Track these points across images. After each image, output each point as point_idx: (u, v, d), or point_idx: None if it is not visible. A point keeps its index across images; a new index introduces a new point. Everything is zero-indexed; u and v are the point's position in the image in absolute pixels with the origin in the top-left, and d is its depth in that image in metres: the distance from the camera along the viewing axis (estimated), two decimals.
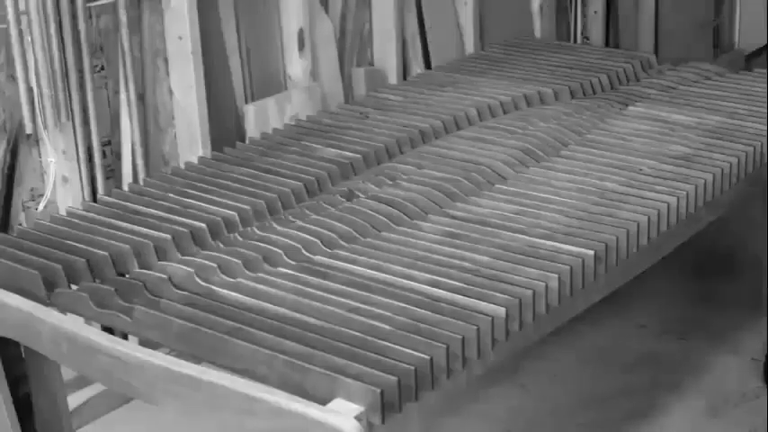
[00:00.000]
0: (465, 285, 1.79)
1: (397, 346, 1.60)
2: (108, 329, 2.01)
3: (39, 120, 2.44)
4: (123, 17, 2.55)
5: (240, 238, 1.99)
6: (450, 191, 2.15)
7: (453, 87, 2.76)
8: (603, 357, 2.89)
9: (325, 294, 1.77)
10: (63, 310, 1.83)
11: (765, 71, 2.82)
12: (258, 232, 2.01)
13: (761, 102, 2.59)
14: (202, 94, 2.72)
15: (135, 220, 2.04)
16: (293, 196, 2.15)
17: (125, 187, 2.33)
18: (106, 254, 1.90)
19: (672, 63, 3.03)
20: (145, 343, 1.76)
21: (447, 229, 2.00)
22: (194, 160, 2.38)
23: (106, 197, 2.18)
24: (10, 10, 2.35)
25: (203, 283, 1.82)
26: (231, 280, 1.83)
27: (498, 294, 1.75)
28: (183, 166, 2.35)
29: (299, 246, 1.94)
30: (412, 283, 1.80)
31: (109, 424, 2.60)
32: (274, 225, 2.03)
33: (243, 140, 2.70)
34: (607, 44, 3.95)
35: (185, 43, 2.66)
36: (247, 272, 1.86)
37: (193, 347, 1.68)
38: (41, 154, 2.54)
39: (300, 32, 2.97)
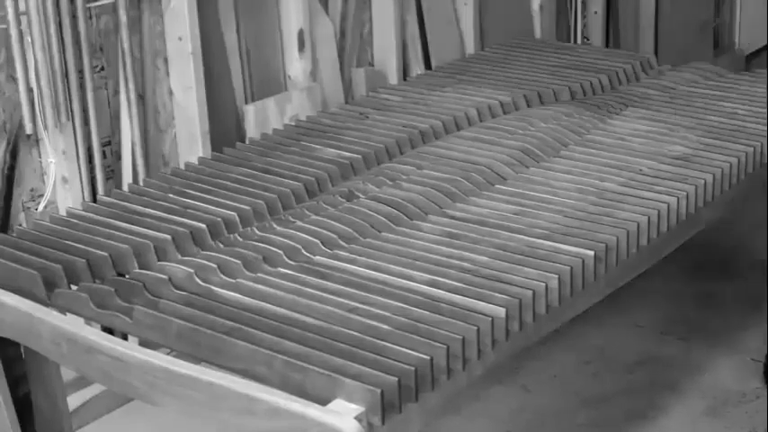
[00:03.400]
0: (464, 285, 1.79)
1: (396, 347, 1.60)
2: (108, 330, 2.01)
3: (39, 120, 2.44)
4: (123, 17, 2.55)
5: (240, 239, 1.99)
6: (450, 191, 2.15)
7: (453, 88, 2.76)
8: (603, 357, 2.89)
9: (324, 294, 1.77)
10: (63, 311, 1.83)
11: (765, 71, 2.82)
12: (258, 232, 2.01)
13: (761, 102, 2.59)
14: (202, 94, 2.72)
15: (135, 221, 2.04)
16: (293, 196, 2.15)
17: (125, 187, 2.33)
18: (106, 254, 1.90)
19: (672, 63, 3.03)
20: (145, 343, 1.76)
21: (446, 229, 2.00)
22: (194, 161, 2.38)
23: (106, 197, 2.18)
24: (10, 10, 2.35)
25: (203, 284, 1.82)
26: (231, 280, 1.83)
27: (498, 295, 1.76)
28: (182, 166, 2.35)
29: (298, 246, 1.94)
30: (411, 283, 1.81)
31: (109, 424, 2.61)
32: (274, 225, 2.03)
33: (243, 141, 2.70)
34: (607, 44, 3.95)
35: (185, 43, 2.66)
36: (247, 272, 1.86)
37: (193, 347, 1.68)
38: (41, 154, 2.54)
39: (300, 33, 2.97)
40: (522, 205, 2.09)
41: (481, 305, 1.73)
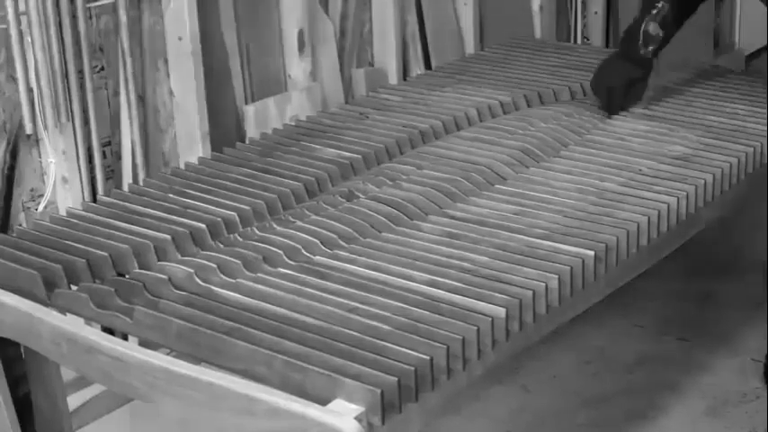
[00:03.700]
0: (464, 285, 1.79)
1: (396, 347, 1.60)
2: (108, 330, 2.01)
3: (39, 120, 2.44)
4: (123, 17, 2.55)
5: (240, 239, 1.99)
6: (450, 191, 2.15)
7: (453, 88, 2.76)
8: (603, 357, 2.89)
9: (324, 294, 1.77)
10: (63, 311, 1.83)
11: (765, 71, 2.82)
12: (258, 232, 2.01)
13: (761, 102, 2.59)
14: (202, 94, 2.71)
15: (134, 221, 2.04)
16: (293, 196, 2.15)
17: (125, 187, 2.33)
18: (106, 254, 1.90)
19: (672, 63, 3.03)
20: (145, 343, 1.76)
21: (446, 229, 2.00)
22: (194, 160, 2.38)
23: (106, 197, 2.18)
24: (10, 10, 2.35)
25: (203, 284, 1.82)
26: (231, 280, 1.83)
27: (498, 295, 1.75)
28: (182, 166, 2.35)
29: (298, 246, 1.94)
30: (411, 283, 1.80)
31: (109, 424, 2.60)
32: (274, 225, 2.03)
33: (243, 141, 2.70)
34: (607, 45, 3.95)
35: (185, 44, 2.66)
36: (247, 272, 1.86)
37: (193, 348, 1.68)
38: (41, 154, 2.54)
39: (300, 33, 2.97)
40: (522, 205, 2.09)
41: (481, 305, 1.73)
